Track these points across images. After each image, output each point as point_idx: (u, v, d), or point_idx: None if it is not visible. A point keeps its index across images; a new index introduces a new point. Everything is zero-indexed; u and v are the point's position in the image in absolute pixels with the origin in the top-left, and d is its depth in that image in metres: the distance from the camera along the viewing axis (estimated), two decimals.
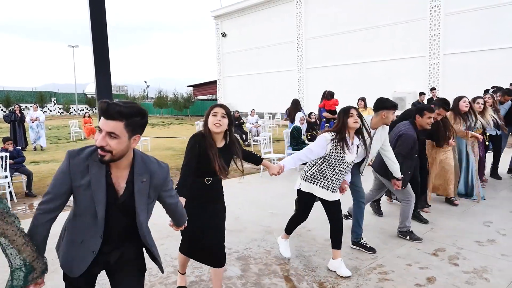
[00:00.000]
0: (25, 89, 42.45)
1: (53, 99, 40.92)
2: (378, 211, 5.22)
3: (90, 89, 49.86)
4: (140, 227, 1.91)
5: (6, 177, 6.50)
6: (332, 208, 3.53)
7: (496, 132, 7.01)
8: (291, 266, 3.68)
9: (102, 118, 1.69)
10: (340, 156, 3.35)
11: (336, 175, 3.43)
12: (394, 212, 5.23)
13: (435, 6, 17.34)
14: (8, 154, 6.55)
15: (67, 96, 43.65)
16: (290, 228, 3.82)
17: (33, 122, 13.40)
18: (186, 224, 2.37)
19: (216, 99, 32.73)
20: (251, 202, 5.90)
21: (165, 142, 15.10)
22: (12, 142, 7.28)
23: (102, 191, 1.79)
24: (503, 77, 7.86)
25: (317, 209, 5.52)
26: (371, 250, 3.96)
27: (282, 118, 22.79)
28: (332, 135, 3.37)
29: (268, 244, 4.24)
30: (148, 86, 66.72)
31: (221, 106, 2.78)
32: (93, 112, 42.57)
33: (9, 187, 6.53)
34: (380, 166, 4.33)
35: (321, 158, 3.45)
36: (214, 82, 32.88)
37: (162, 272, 2.17)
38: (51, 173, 8.16)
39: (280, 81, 25.08)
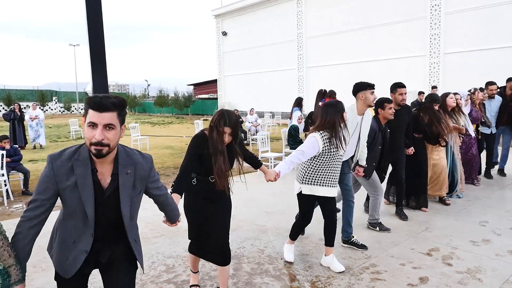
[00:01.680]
0: (27, 87, 42.52)
1: (54, 98, 40.99)
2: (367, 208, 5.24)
3: (91, 87, 49.94)
4: (125, 219, 1.90)
5: (3, 175, 6.49)
6: (329, 206, 3.56)
7: (491, 131, 6.99)
8: (283, 265, 3.66)
9: (94, 112, 1.69)
10: (333, 152, 3.39)
11: (333, 169, 3.47)
12: (389, 211, 5.21)
13: (435, 5, 17.29)
14: (4, 152, 6.55)
15: (68, 94, 43.71)
16: (294, 234, 3.82)
17: (32, 121, 13.42)
18: (180, 220, 2.36)
19: (216, 98, 32.72)
20: (247, 201, 5.88)
21: (164, 141, 15.09)
22: (9, 140, 7.28)
23: (89, 189, 1.79)
24: (504, 76, 7.83)
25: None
26: (363, 247, 3.99)
27: (282, 117, 22.76)
28: (321, 133, 3.38)
29: (262, 243, 4.23)
30: (149, 85, 66.77)
31: (230, 126, 2.74)
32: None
33: (5, 185, 6.54)
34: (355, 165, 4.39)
35: (314, 158, 3.44)
36: (215, 81, 32.90)
37: (143, 271, 2.14)
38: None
39: (280, 80, 25.07)
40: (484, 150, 7.15)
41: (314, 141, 3.37)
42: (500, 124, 7.16)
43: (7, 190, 6.49)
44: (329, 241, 3.57)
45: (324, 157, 3.40)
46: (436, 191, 5.57)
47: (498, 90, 7.21)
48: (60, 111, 41.08)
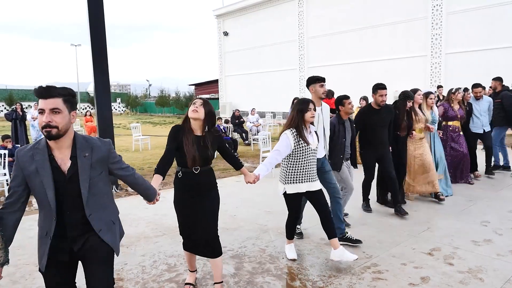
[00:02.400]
0: (27, 87, 42.61)
1: None
2: (367, 208, 5.29)
3: (93, 88, 50.06)
4: (84, 199, 2.01)
5: (5, 174, 6.52)
6: (317, 199, 3.62)
7: (484, 130, 7.09)
8: (284, 264, 3.67)
9: (41, 100, 1.90)
10: (304, 146, 3.50)
11: (309, 164, 3.56)
12: (389, 210, 5.21)
13: (436, 5, 17.27)
14: (7, 151, 6.58)
15: None
16: (289, 233, 3.86)
17: (34, 120, 13.43)
18: (158, 198, 2.53)
19: (217, 98, 32.73)
20: (247, 201, 5.89)
21: (165, 141, 15.10)
22: (12, 140, 7.31)
23: (48, 174, 1.96)
24: (505, 76, 7.87)
25: (311, 208, 5.52)
26: (357, 242, 4.06)
27: (283, 117, 22.77)
28: (291, 130, 3.52)
29: (263, 242, 4.23)
30: (150, 85, 66.80)
31: (201, 98, 3.00)
32: (87, 110, 42.67)
33: (7, 184, 6.56)
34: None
35: (290, 156, 3.56)
36: (216, 81, 32.90)
37: (117, 254, 2.21)
38: None
39: (281, 80, 25.07)
40: (481, 149, 7.26)
41: (286, 139, 3.51)
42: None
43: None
44: (330, 233, 3.58)
45: (298, 154, 3.52)
46: (430, 188, 5.62)
47: (485, 90, 7.37)
48: None
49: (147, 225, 4.91)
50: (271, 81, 25.71)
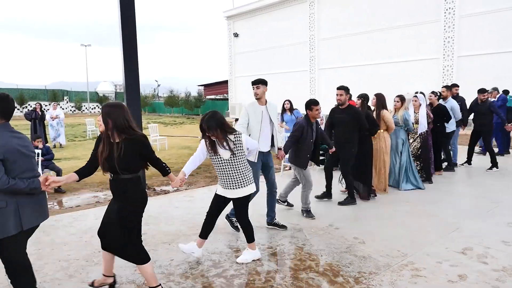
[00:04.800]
0: (34, 87, 43.01)
1: (65, 97, 41.44)
2: (328, 195, 6.06)
3: (102, 87, 50.36)
4: None
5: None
6: (235, 207, 3.90)
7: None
8: (324, 262, 3.83)
9: None
10: (215, 155, 3.65)
11: (220, 172, 3.72)
12: (418, 211, 5.36)
13: (449, 8, 17.37)
14: (40, 151, 6.78)
15: (79, 94, 44.18)
16: (202, 230, 3.96)
17: (53, 120, 13.71)
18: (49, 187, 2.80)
19: (226, 99, 32.92)
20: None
21: (181, 141, 15.32)
22: (42, 139, 7.52)
23: None
24: None
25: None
26: (283, 227, 4.73)
27: None
28: (206, 140, 3.66)
29: (299, 241, 4.40)
30: (159, 85, 67.14)
31: (101, 112, 2.99)
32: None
33: None
34: (292, 157, 5.20)
35: (211, 160, 3.73)
36: (225, 82, 33.11)
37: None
38: (74, 170, 8.39)
39: (292, 81, 25.21)
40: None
41: (201, 145, 3.72)
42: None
43: None
44: (247, 238, 3.88)
45: (212, 160, 3.70)
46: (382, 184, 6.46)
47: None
48: (71, 110, 41.54)
49: (182, 223, 5.09)
50: (282, 83, 25.83)
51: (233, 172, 3.67)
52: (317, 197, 6.09)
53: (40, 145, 7.22)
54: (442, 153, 8.18)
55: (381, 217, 5.22)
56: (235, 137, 3.62)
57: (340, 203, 5.81)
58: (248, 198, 3.82)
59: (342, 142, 5.69)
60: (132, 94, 6.85)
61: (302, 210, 5.33)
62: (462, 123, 8.66)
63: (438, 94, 7.87)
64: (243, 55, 29.39)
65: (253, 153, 4.12)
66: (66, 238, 4.57)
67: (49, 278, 3.53)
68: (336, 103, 5.76)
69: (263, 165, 4.66)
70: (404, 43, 19.15)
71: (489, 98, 8.95)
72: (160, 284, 3.14)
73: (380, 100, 6.37)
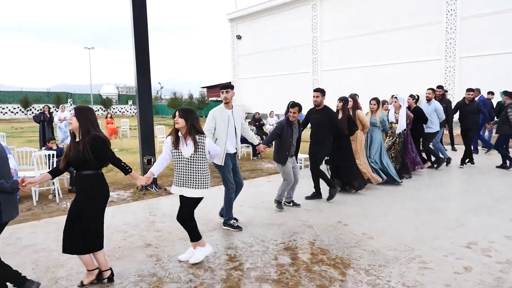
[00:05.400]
0: (37, 89, 43.33)
1: (69, 100, 41.72)
2: (317, 196, 6.26)
3: (105, 90, 50.65)
4: None
5: None
6: (181, 205, 3.92)
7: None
8: (335, 255, 4.01)
9: None
10: (177, 153, 3.77)
11: (180, 170, 3.81)
12: (426, 207, 5.55)
13: (451, 10, 17.55)
14: (55, 152, 6.98)
15: (82, 96, 44.46)
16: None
17: (61, 122, 13.92)
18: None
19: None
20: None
21: None
22: (39, 141, 7.70)
23: None
24: None
25: (350, 205, 5.87)
26: (238, 228, 4.83)
27: None
28: (171, 137, 3.80)
29: (310, 236, 4.58)
30: (162, 88, 67.47)
31: (74, 109, 3.34)
32: (108, 112, 43.25)
33: (53, 183, 6.95)
34: (274, 154, 5.59)
35: (173, 158, 3.84)
36: None
37: None
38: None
39: (295, 83, 25.41)
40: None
41: (165, 144, 3.84)
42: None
43: (56, 189, 6.90)
44: (192, 237, 3.92)
45: (174, 158, 3.82)
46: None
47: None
48: None
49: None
50: (284, 84, 26.06)
51: (192, 171, 3.77)
52: (308, 198, 6.28)
53: (54, 147, 7.42)
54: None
55: (388, 214, 5.40)
56: (199, 139, 3.74)
57: (307, 198, 6.25)
58: (200, 200, 3.90)
59: (315, 141, 6.09)
60: (144, 97, 7.04)
61: (274, 199, 5.70)
62: (446, 123, 9.15)
63: (416, 97, 8.25)
64: (246, 57, 29.61)
65: (215, 158, 4.21)
66: (57, 241, 4.73)
67: (75, 272, 3.71)
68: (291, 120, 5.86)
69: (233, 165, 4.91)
70: (406, 44, 19.33)
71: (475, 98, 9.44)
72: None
73: (356, 101, 6.83)
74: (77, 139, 3.27)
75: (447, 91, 9.25)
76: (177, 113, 3.73)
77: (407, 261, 3.84)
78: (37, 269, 3.80)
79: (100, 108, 43.99)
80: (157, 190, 7.18)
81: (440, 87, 9.41)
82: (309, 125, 6.38)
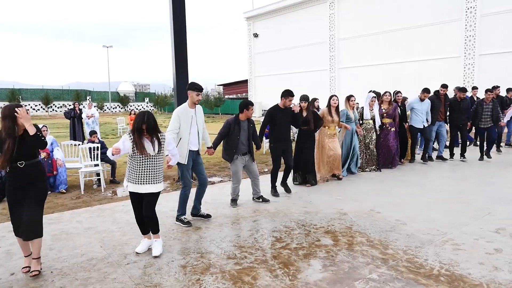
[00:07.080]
0: (60, 87, 44.31)
1: (88, 97, 42.61)
2: (275, 193, 6.32)
3: (123, 87, 51.52)
4: None
5: (97, 165, 7.40)
6: (145, 201, 3.98)
7: (424, 125, 8.89)
8: (374, 238, 4.36)
9: None
10: (140, 151, 3.84)
11: (140, 168, 3.91)
12: (447, 196, 5.85)
13: (471, 7, 17.63)
14: (99, 145, 7.45)
15: (100, 94, 45.34)
16: (141, 229, 4.19)
17: (89, 119, 14.48)
18: None
19: (242, 99, 33.54)
20: (317, 188, 6.62)
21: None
22: (70, 136, 8.17)
23: None
24: None
25: (381, 195, 6.19)
26: (208, 216, 5.15)
27: None
28: (130, 135, 3.89)
29: (347, 222, 4.93)
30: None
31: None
32: (125, 110, 44.06)
33: (97, 174, 7.43)
34: (222, 152, 5.71)
35: (131, 156, 3.93)
36: (244, 82, 33.70)
37: None
38: (119, 163, 9.06)
39: (311, 80, 25.66)
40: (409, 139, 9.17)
41: (122, 139, 3.92)
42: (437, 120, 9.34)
43: (99, 180, 7.38)
44: (153, 230, 4.06)
45: (135, 155, 3.89)
46: (334, 170, 7.32)
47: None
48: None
49: (238, 207, 5.67)
50: (301, 82, 26.32)
51: (153, 168, 3.93)
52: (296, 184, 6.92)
53: (96, 140, 7.89)
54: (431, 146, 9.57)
55: (417, 203, 5.72)
56: (161, 137, 3.96)
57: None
58: (159, 194, 4.06)
59: (279, 139, 6.25)
60: (182, 95, 7.46)
61: (232, 198, 5.80)
62: (435, 121, 9.49)
63: (426, 91, 9.01)
64: (262, 55, 29.95)
65: (177, 156, 4.34)
66: (115, 224, 5.10)
67: (119, 251, 4.12)
68: (285, 106, 6.23)
69: (194, 162, 5.01)
70: (425, 42, 19.45)
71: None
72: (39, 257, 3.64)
73: (313, 102, 7.47)
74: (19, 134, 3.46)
75: (466, 90, 9.49)
76: (142, 128, 3.81)
77: (441, 243, 4.17)
78: (105, 246, 4.24)
79: (118, 105, 44.80)
80: (179, 182, 7.51)
81: (444, 86, 9.65)
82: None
